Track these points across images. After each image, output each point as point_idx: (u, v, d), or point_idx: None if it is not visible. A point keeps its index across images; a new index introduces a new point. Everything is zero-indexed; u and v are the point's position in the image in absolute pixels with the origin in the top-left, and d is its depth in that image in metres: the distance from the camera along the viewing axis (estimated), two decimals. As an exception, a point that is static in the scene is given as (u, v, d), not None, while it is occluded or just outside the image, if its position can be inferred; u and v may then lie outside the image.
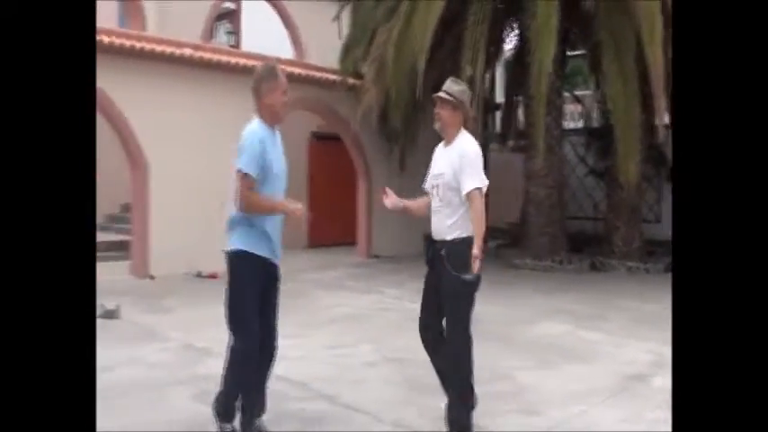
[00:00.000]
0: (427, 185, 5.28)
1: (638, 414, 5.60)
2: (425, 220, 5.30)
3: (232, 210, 4.74)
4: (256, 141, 4.63)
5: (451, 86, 5.12)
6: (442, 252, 4.96)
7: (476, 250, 4.76)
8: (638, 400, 5.98)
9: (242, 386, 4.79)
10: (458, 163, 4.93)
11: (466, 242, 4.88)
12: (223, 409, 4.80)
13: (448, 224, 5.01)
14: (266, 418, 4.99)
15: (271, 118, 4.81)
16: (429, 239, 5.21)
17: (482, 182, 4.91)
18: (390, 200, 5.39)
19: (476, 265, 4.75)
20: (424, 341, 5.25)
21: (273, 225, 4.79)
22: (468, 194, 4.87)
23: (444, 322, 5.12)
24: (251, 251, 4.69)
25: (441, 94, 5.09)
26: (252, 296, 4.70)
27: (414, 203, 5.48)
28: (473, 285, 4.91)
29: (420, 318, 5.27)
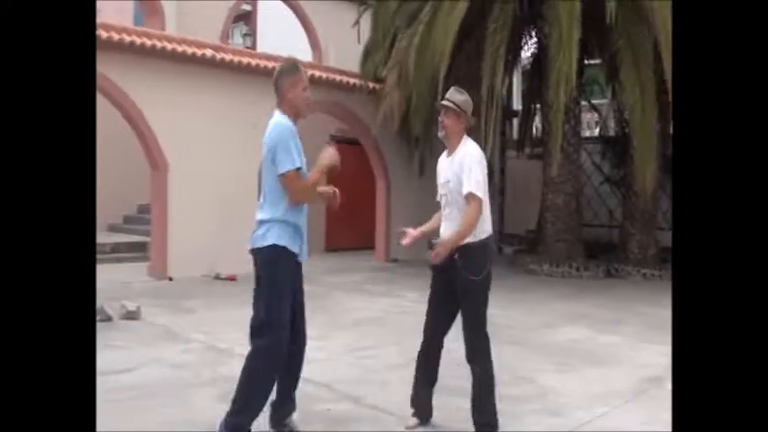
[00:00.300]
0: (438, 196, 5.35)
1: (659, 417, 5.65)
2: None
3: (263, 209, 4.72)
4: (289, 135, 4.61)
5: (455, 95, 5.20)
6: (456, 256, 5.00)
7: (440, 243, 4.99)
8: (657, 403, 6.04)
9: (269, 383, 4.67)
10: (460, 169, 5.03)
11: (478, 245, 5.01)
12: (236, 427, 4.58)
13: None
14: (294, 418, 5.08)
15: (293, 114, 4.77)
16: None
17: (479, 187, 4.96)
18: (409, 238, 5.38)
19: (432, 255, 4.97)
20: (429, 348, 5.31)
21: (303, 222, 4.80)
22: (466, 197, 4.97)
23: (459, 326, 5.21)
24: (287, 246, 4.64)
25: (444, 102, 5.19)
26: (287, 293, 4.65)
27: (431, 225, 5.49)
28: (484, 285, 5.04)
29: (429, 325, 5.33)
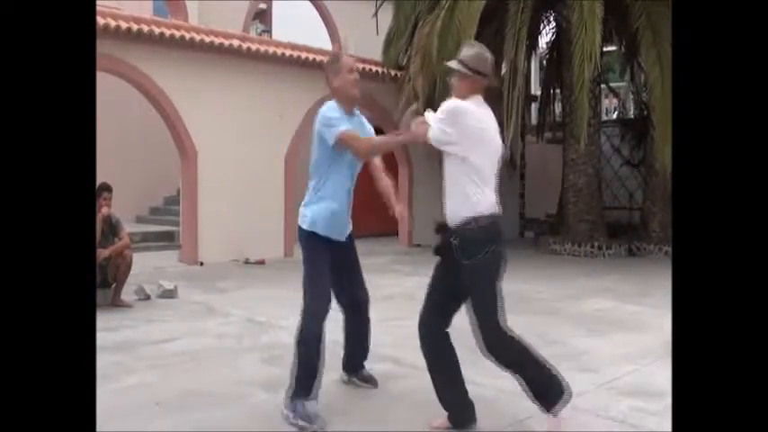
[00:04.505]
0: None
1: (689, 373, 5.88)
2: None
3: (308, 192, 5.05)
4: (326, 110, 4.84)
5: (465, 51, 4.55)
6: (453, 239, 4.47)
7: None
8: (687, 362, 6.26)
9: (312, 342, 4.80)
10: None
11: (475, 226, 4.43)
12: (299, 391, 4.72)
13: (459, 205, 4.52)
14: (339, 377, 5.46)
15: (346, 100, 4.97)
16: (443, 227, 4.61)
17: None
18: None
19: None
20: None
21: (343, 204, 5.14)
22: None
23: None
24: (318, 232, 4.99)
25: (449, 63, 4.59)
26: (322, 269, 4.98)
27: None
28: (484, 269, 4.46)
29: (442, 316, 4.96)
